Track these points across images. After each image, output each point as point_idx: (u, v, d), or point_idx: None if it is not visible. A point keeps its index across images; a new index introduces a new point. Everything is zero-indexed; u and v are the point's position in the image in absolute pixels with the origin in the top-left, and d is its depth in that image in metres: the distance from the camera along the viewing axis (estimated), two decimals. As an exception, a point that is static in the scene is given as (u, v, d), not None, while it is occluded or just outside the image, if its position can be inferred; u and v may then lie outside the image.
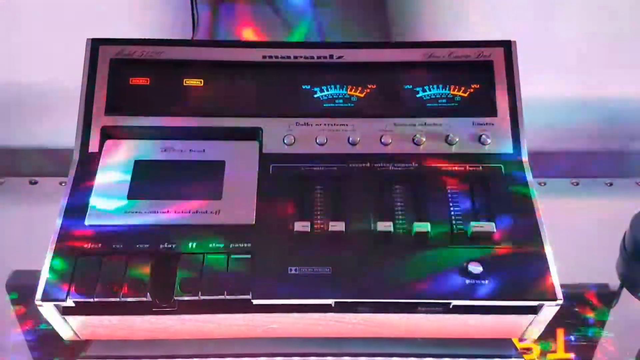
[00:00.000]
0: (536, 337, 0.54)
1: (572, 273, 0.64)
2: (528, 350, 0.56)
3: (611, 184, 0.80)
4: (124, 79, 0.59)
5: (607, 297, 0.64)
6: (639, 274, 0.64)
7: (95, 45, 0.59)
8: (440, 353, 0.56)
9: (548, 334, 0.57)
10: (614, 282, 0.65)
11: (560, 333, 0.58)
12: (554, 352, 0.56)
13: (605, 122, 0.83)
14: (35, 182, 0.78)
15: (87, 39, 0.60)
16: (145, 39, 0.60)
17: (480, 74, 0.59)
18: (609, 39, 0.77)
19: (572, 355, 0.56)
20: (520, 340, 0.56)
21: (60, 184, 0.76)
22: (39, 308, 0.50)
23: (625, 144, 0.85)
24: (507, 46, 0.60)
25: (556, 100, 0.81)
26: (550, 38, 0.77)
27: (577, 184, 0.80)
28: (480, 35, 0.61)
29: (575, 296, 0.63)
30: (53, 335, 0.55)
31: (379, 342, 0.56)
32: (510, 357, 0.56)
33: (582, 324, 0.60)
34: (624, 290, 0.64)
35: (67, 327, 0.52)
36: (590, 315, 0.61)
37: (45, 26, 0.75)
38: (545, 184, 0.79)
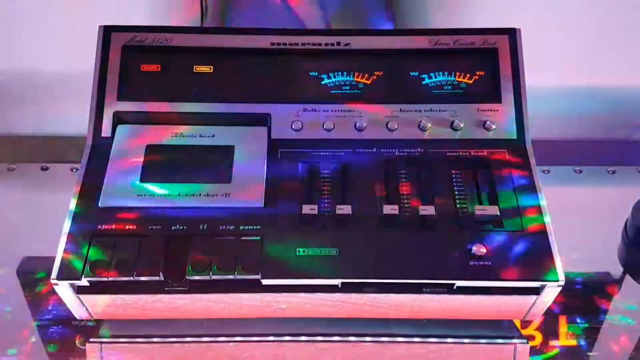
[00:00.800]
0: (538, 318, 0.56)
1: (575, 259, 0.66)
2: (532, 337, 0.57)
3: (614, 172, 0.80)
4: (136, 66, 0.60)
5: (611, 283, 0.65)
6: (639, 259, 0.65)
7: (107, 32, 0.60)
8: (445, 334, 0.57)
9: (551, 321, 0.58)
10: (617, 268, 0.66)
11: (563, 320, 0.59)
12: (558, 339, 0.57)
13: (609, 111, 0.84)
14: (47, 169, 0.79)
15: (99, 26, 0.61)
16: (156, 26, 0.61)
17: (485, 61, 0.60)
18: (616, 28, 0.78)
19: (575, 342, 0.57)
20: (523, 321, 0.57)
21: (72, 170, 0.78)
22: (55, 287, 0.51)
23: (629, 132, 0.85)
24: (512, 34, 0.61)
25: (561, 89, 0.82)
26: (557, 27, 0.77)
27: (581, 171, 0.81)
28: (486, 24, 0.62)
29: (578, 283, 0.64)
30: (65, 320, 0.57)
31: (384, 323, 0.57)
32: (512, 338, 0.57)
33: (585, 310, 0.60)
34: (627, 277, 0.65)
35: (82, 307, 0.54)
36: (594, 302, 0.62)
37: (56, 13, 0.76)
38: (549, 171, 0.80)
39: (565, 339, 0.58)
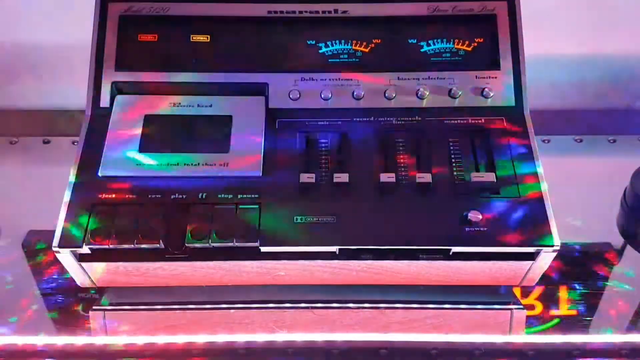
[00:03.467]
0: (534, 283, 0.56)
1: (574, 227, 0.66)
2: (532, 306, 0.58)
3: (614, 141, 0.80)
4: (133, 36, 0.60)
5: (610, 251, 0.65)
6: (638, 228, 0.65)
7: (104, 2, 0.60)
8: (442, 300, 0.58)
9: (551, 290, 0.59)
10: (616, 237, 0.67)
11: (563, 289, 0.60)
12: (557, 307, 0.58)
13: (610, 80, 0.83)
14: (48, 142, 0.80)
15: (96, -4, 0.60)
16: (152, -4, 0.61)
17: (484, 28, 0.60)
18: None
19: (575, 310, 0.58)
20: (521, 286, 0.58)
21: (73, 143, 0.78)
22: (57, 255, 0.52)
23: (630, 101, 0.85)
24: (510, 0, 0.60)
25: (562, 57, 0.81)
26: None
27: (581, 140, 0.80)
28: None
29: (578, 252, 0.64)
30: (68, 291, 0.58)
31: (382, 290, 0.58)
32: (509, 304, 0.58)
33: (586, 279, 0.61)
34: (626, 245, 0.66)
35: (84, 274, 0.55)
36: (594, 269, 0.62)
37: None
38: (549, 141, 0.80)
39: (563, 305, 0.58)
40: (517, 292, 0.59)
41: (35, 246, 0.64)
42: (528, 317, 0.57)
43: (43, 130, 0.82)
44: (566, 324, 0.56)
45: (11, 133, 0.81)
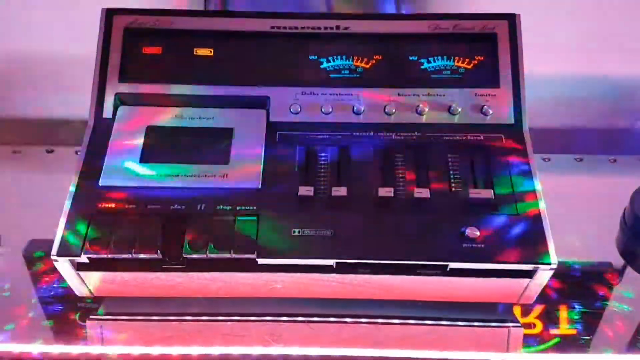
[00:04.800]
0: (532, 301, 0.56)
1: (574, 248, 0.66)
2: (532, 325, 0.57)
3: (615, 161, 0.80)
4: (137, 48, 0.61)
5: (609, 271, 0.65)
6: (638, 248, 0.65)
7: (110, 15, 0.61)
8: (440, 316, 0.58)
9: (551, 309, 0.59)
10: (616, 257, 0.66)
11: (563, 309, 0.59)
12: (558, 327, 0.58)
13: (611, 100, 0.83)
14: (52, 151, 0.80)
15: (102, 9, 0.61)
16: (157, 9, 0.61)
17: (484, 46, 0.60)
18: (620, 14, 0.77)
19: (575, 330, 0.58)
20: (519, 305, 0.58)
21: (76, 152, 0.78)
22: (55, 263, 0.52)
23: (632, 121, 0.85)
24: (511, 19, 0.61)
25: (563, 76, 0.81)
26: (560, 12, 0.77)
27: (582, 160, 0.81)
28: (486, 9, 0.62)
29: (577, 271, 0.64)
30: (66, 300, 0.58)
31: (379, 305, 0.58)
32: (507, 322, 0.58)
33: (584, 299, 0.60)
34: (626, 265, 0.65)
35: (82, 284, 0.55)
36: (592, 289, 0.62)
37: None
38: (549, 159, 0.80)
39: (561, 325, 0.58)
40: (516, 310, 0.58)
41: (35, 254, 0.65)
42: (525, 335, 0.57)
43: (46, 140, 0.83)
44: (564, 343, 0.56)
45: (15, 142, 0.81)
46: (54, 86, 0.83)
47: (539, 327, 0.57)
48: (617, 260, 0.66)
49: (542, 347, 0.56)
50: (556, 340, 0.56)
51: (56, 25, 0.78)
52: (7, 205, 0.72)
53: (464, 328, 0.57)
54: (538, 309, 0.59)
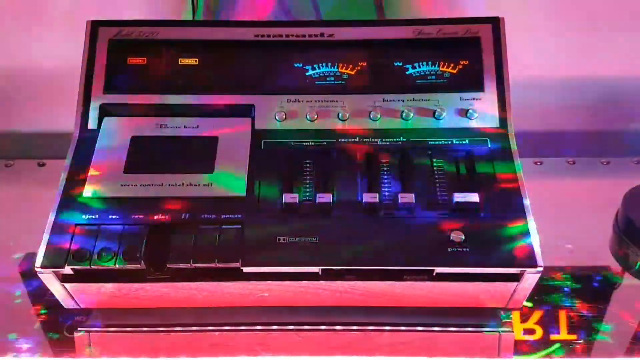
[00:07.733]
0: (521, 305, 0.55)
1: (566, 251, 0.65)
2: (530, 331, 0.57)
3: (608, 163, 0.80)
4: (122, 59, 0.61)
5: (603, 274, 0.64)
6: (631, 251, 0.64)
7: (95, 26, 0.61)
8: (430, 322, 0.57)
9: (547, 316, 0.58)
10: (609, 260, 0.66)
11: (562, 314, 0.59)
12: (556, 333, 0.57)
13: (604, 102, 0.83)
14: (44, 164, 0.81)
15: (87, 21, 0.62)
16: (141, 20, 0.62)
17: (469, 51, 0.60)
18: (610, 17, 0.77)
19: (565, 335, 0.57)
20: (506, 309, 0.57)
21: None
22: (39, 275, 0.52)
23: (624, 124, 0.85)
24: (495, 23, 0.61)
25: (555, 79, 0.81)
26: (550, 14, 0.77)
27: (574, 162, 0.80)
28: (471, 13, 0.62)
29: (569, 274, 0.63)
30: (56, 312, 0.58)
31: (369, 313, 0.57)
32: (498, 327, 0.57)
33: (582, 304, 0.60)
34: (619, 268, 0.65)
35: (68, 296, 0.55)
36: (584, 292, 0.61)
37: (51, 10, 0.77)
38: (541, 163, 0.80)
39: (553, 330, 0.57)
40: (507, 316, 0.58)
41: (25, 268, 0.64)
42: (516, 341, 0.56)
43: (38, 153, 0.83)
44: (557, 349, 0.55)
45: (6, 156, 0.82)
46: (46, 99, 0.83)
47: (539, 333, 0.57)
48: (610, 263, 0.66)
49: (535, 354, 0.55)
50: (557, 345, 0.55)
51: (50, 39, 0.78)
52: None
53: (455, 334, 0.57)
54: (536, 315, 0.58)
